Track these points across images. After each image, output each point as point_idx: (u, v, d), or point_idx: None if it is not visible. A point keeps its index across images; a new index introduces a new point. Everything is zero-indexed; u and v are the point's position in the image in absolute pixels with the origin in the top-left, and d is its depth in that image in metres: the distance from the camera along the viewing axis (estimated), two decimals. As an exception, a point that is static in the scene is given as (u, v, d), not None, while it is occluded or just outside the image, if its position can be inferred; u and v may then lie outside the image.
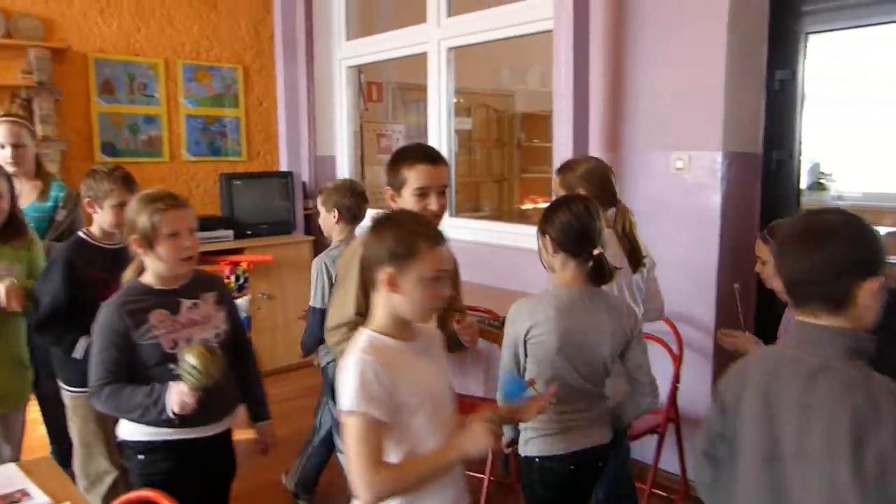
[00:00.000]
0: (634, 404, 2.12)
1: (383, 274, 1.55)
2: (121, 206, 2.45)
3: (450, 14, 4.46)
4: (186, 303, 2.05)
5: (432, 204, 2.07)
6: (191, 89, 5.21)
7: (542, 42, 4.15)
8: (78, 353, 2.43)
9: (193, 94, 5.23)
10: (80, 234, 2.59)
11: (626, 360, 2.08)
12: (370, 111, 5.88)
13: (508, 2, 4.06)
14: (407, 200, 2.07)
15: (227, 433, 2.14)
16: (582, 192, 2.42)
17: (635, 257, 2.52)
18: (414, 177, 2.06)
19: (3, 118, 3.13)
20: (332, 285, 2.74)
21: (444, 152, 4.50)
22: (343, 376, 1.55)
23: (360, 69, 5.50)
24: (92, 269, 2.48)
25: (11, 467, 1.93)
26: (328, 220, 3.09)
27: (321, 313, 2.72)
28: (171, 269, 2.01)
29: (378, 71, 5.91)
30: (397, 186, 2.10)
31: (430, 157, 2.10)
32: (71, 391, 2.60)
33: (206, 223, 4.43)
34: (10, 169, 2.91)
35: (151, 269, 2.02)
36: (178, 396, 1.86)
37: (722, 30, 3.00)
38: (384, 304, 1.60)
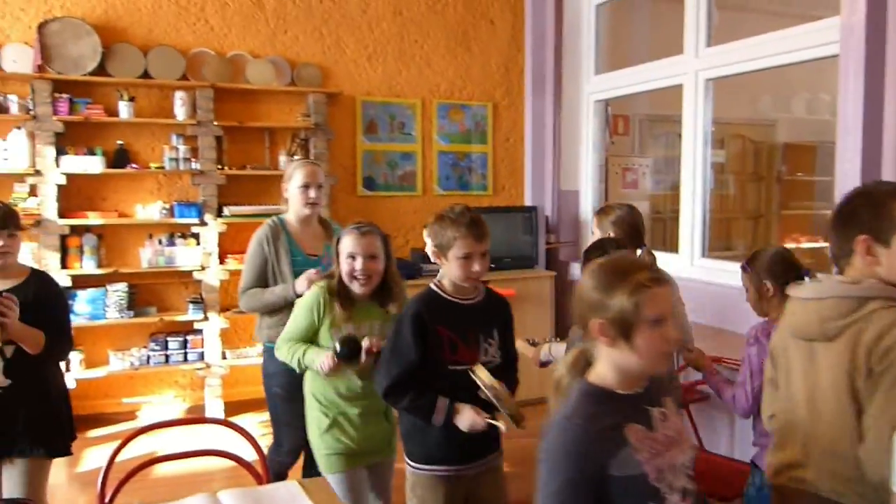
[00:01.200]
0: None
1: None
2: (467, 258, 2.15)
3: (709, 44, 4.22)
4: (655, 413, 1.48)
5: None
6: (443, 127, 5.49)
7: (809, 66, 3.76)
8: (438, 418, 2.13)
9: (446, 131, 5.50)
10: (432, 285, 2.27)
11: None
12: (616, 144, 5.75)
13: (774, 28, 3.73)
14: None
15: None
16: (612, 235, 2.87)
17: None
18: None
19: (305, 161, 3.13)
20: None
21: (699, 187, 4.27)
22: None
23: (606, 102, 5.41)
24: (439, 325, 2.17)
25: (294, 485, 2.07)
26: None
27: None
28: (648, 366, 1.46)
29: (625, 103, 5.77)
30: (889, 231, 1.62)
31: None
32: (413, 467, 2.26)
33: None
34: (307, 210, 2.96)
35: (614, 365, 1.47)
36: None
37: None
38: None
